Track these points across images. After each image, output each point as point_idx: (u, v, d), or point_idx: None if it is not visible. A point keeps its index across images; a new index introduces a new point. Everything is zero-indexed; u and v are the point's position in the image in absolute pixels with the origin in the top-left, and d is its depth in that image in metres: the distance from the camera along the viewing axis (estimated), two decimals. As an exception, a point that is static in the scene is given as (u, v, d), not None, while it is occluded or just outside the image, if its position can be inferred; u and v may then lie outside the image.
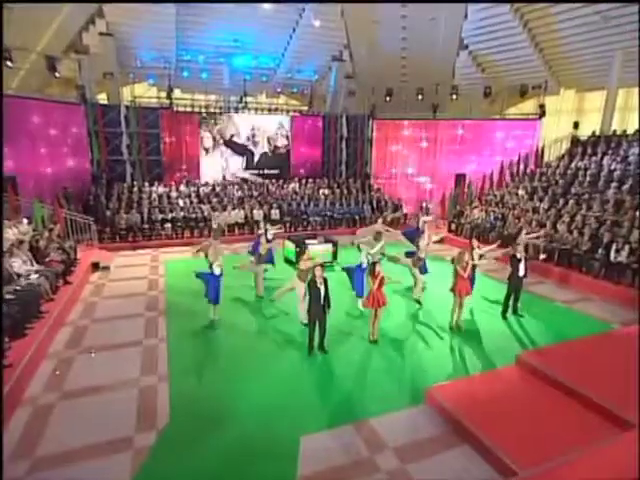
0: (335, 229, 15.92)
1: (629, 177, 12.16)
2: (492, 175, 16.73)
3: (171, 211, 14.44)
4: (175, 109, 17.52)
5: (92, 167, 15.91)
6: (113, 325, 7.83)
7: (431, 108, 19.19)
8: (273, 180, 18.43)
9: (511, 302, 8.38)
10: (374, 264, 7.05)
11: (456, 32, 18.28)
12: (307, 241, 12.03)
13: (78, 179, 15.10)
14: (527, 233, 10.20)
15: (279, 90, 21.61)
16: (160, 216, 14.16)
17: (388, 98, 20.06)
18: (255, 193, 16.70)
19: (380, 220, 12.16)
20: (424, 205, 18.58)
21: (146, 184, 16.13)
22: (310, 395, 5.80)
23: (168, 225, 13.98)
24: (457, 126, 18.96)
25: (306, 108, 21.12)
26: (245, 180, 18.03)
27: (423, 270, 9.51)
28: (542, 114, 16.87)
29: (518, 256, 8.07)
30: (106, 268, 11.02)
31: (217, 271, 7.82)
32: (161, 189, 16.07)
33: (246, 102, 18.48)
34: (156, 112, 16.97)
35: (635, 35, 14.46)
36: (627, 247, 9.39)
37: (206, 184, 16.95)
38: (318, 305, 6.64)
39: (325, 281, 6.65)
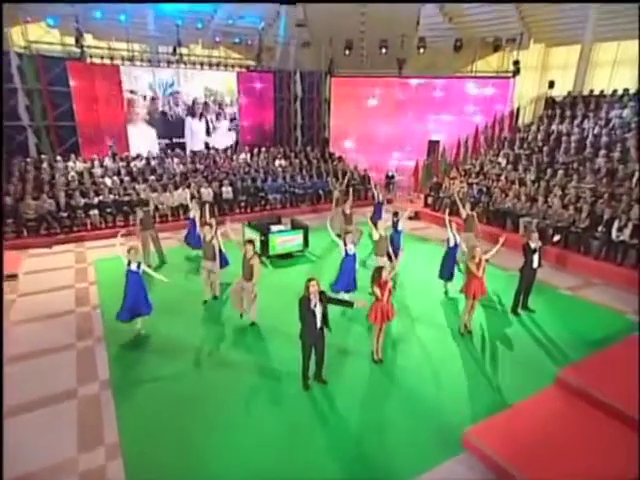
0: (298, 207, 14.55)
1: (616, 143, 11.88)
2: (467, 141, 16.00)
3: (97, 193, 12.13)
4: (89, 60, 14.66)
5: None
6: (30, 367, 6.04)
7: (396, 64, 17.84)
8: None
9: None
10: (380, 269, 5.87)
11: (422, -26, 16.86)
12: (272, 227, 10.61)
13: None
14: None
15: (218, 40, 18.99)
16: (83, 200, 11.85)
17: (347, 52, 18.41)
18: (200, 167, 14.66)
19: (349, 203, 10.84)
20: (390, 175, 17.60)
21: (59, 158, 13.52)
22: (317, 455, 4.63)
23: (94, 212, 11.74)
24: (426, 84, 17.84)
25: (251, 62, 18.86)
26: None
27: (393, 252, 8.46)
28: (516, 71, 16.19)
29: (532, 246, 7.30)
30: (12, 277, 8.82)
31: (133, 266, 6.55)
32: (80, 164, 13.58)
33: (181, 54, 15.94)
34: (62, 63, 14.04)
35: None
36: (630, 225, 9.02)
37: (138, 157, 14.59)
38: (313, 329, 5.42)
39: (322, 296, 5.40)
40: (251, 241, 7.06)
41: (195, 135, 16.60)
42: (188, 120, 16.49)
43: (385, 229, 8.21)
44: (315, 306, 5.34)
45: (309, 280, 5.36)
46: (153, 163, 14.32)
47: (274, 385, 5.76)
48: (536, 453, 4.55)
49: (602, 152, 11.71)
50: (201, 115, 16.59)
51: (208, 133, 16.79)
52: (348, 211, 10.55)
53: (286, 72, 18.55)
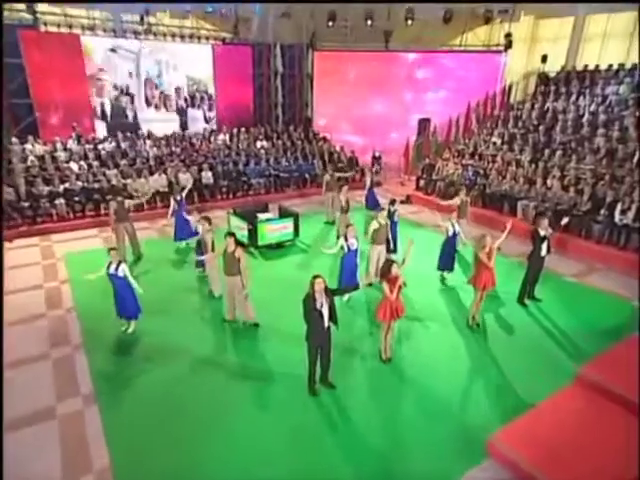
0: (283, 192, 14.12)
1: (614, 121, 11.87)
2: (458, 119, 15.77)
3: (62, 181, 11.36)
4: (43, 28, 13.58)
5: None
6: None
7: (382, 37, 17.31)
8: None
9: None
10: (390, 264, 5.60)
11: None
12: (260, 215, 10.19)
13: None
14: None
15: (188, 9, 17.95)
16: (46, 188, 11.09)
17: (330, 23, 17.74)
18: (177, 150, 13.96)
19: (344, 191, 10.50)
20: (377, 155, 17.25)
21: (14, 140, 12.55)
22: (328, 465, 4.40)
23: (60, 201, 11.01)
24: (414, 58, 17.43)
25: (226, 35, 17.92)
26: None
27: (392, 248, 8.51)
28: (508, 45, 15.96)
29: (542, 233, 7.17)
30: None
31: (112, 269, 6.23)
32: (40, 147, 12.66)
33: (149, 23, 14.98)
34: (12, 32, 12.91)
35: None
36: (634, 207, 9.03)
37: (106, 139, 13.75)
38: (320, 330, 5.15)
39: (327, 291, 5.10)
40: (232, 233, 6.71)
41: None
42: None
43: (384, 217, 8.00)
44: (321, 306, 5.06)
45: (314, 277, 5.06)
46: (124, 146, 13.52)
47: (279, 390, 5.48)
48: (563, 455, 4.45)
49: (600, 131, 11.68)
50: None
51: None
52: (344, 199, 10.23)
53: (265, 45, 17.74)
